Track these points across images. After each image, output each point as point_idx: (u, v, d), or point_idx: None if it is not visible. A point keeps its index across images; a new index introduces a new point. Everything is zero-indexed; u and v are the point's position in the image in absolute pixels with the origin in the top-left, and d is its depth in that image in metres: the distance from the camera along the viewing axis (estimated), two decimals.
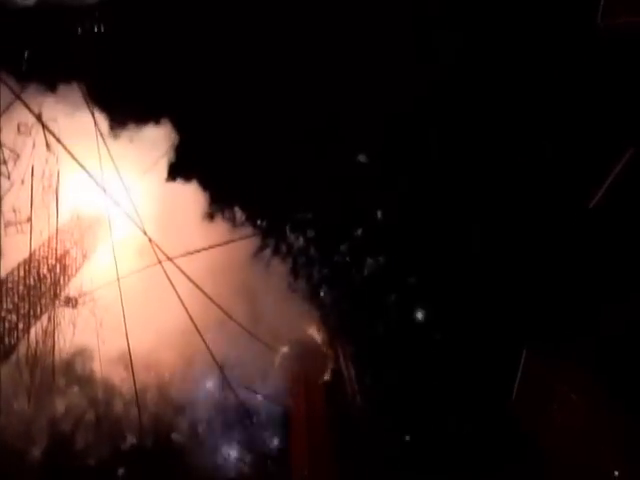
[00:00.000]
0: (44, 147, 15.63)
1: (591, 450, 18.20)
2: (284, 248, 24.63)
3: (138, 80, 22.74)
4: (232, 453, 22.70)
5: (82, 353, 19.21)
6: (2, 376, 14.47)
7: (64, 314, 17.40)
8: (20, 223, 14.96)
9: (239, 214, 24.10)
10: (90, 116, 19.31)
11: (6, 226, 14.46)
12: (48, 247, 16.41)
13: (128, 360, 18.30)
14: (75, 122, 19.44)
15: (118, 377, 20.06)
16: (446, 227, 23.28)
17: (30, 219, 15.21)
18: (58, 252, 16.77)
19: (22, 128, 15.00)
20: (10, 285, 14.72)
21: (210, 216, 23.37)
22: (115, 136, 21.76)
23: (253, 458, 22.48)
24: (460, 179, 23.22)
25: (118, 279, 17.96)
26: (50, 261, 16.42)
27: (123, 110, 22.02)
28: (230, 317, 19.63)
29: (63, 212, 16.95)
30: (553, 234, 21.54)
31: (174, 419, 21.67)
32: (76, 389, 19.86)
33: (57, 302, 16.86)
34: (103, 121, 20.55)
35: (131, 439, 21.01)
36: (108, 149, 16.99)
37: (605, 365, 18.78)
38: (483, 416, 21.00)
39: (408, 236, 23.77)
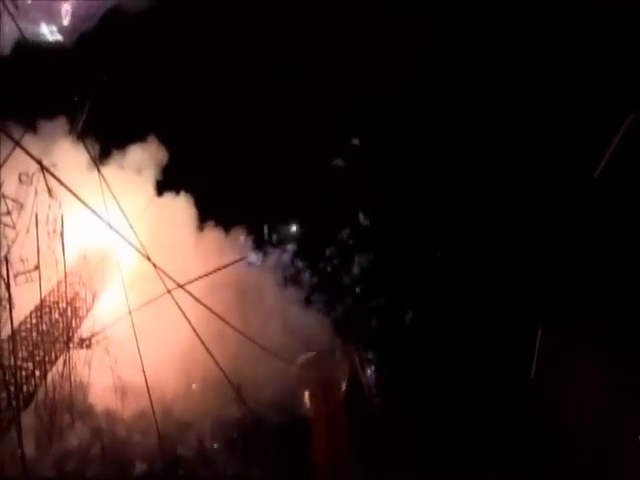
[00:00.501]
0: (46, 194, 15.87)
1: (613, 423, 18.12)
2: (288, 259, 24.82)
3: (119, 101, 22.88)
4: (256, 472, 22.72)
5: (98, 390, 19.27)
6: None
7: (79, 356, 17.58)
8: (29, 272, 15.13)
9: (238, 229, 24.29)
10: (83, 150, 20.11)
11: (15, 276, 14.61)
12: (58, 292, 16.61)
13: (144, 392, 18.37)
14: (70, 160, 19.88)
15: (136, 410, 20.12)
16: (452, 205, 23.30)
17: (38, 266, 15.36)
18: (68, 295, 16.97)
19: (23, 178, 15.24)
20: (24, 334, 14.91)
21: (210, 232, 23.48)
22: (106, 164, 21.97)
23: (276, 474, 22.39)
24: (461, 153, 23.18)
25: (130, 313, 18.07)
26: (61, 305, 16.62)
27: (111, 136, 22.23)
28: (246, 336, 19.52)
29: (70, 255, 17.22)
30: (562, 208, 21.37)
31: (196, 444, 21.72)
32: (94, 425, 19.90)
33: (71, 345, 17.02)
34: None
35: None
36: (108, 184, 17.10)
37: (622, 338, 18.66)
38: (502, 401, 20.79)
39: (415, 219, 23.76)
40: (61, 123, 22.45)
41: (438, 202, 23.83)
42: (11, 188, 14.96)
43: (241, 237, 24.59)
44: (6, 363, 14.11)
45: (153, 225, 21.23)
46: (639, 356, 18.37)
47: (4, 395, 13.73)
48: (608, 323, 19.16)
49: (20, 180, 15.16)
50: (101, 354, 18.79)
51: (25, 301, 15.30)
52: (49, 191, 15.78)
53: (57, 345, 16.05)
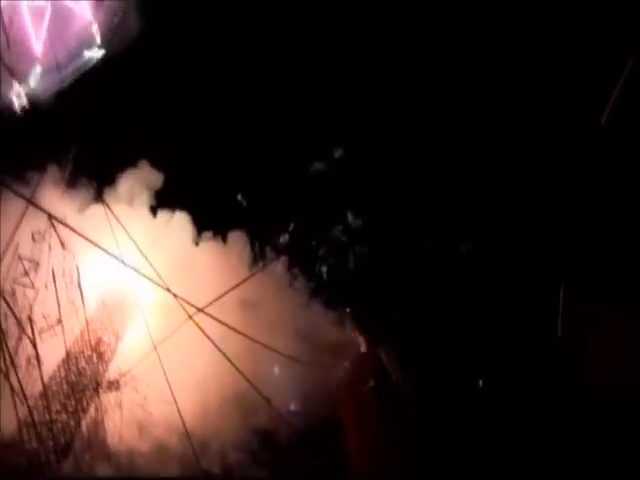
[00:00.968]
0: (59, 247, 16.33)
1: None
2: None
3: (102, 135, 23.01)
4: None
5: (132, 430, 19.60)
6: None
7: (109, 399, 17.95)
8: (52, 327, 15.58)
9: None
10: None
11: (40, 333, 15.06)
12: (82, 341, 17.05)
13: (179, 425, 18.64)
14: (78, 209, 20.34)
15: (172, 444, 20.46)
16: (467, 171, 23.11)
17: (60, 320, 15.82)
18: (92, 342, 17.41)
19: (36, 236, 15.70)
20: (55, 388, 15.37)
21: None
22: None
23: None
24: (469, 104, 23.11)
25: (155, 348, 18.36)
26: (86, 353, 17.07)
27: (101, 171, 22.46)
28: (273, 350, 19.73)
29: (89, 303, 17.65)
30: (574, 158, 21.03)
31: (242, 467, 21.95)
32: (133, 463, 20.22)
33: (100, 390, 17.43)
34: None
35: None
36: (120, 222, 17.36)
37: None
38: (530, 368, 20.71)
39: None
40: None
41: (451, 165, 23.71)
42: (26, 248, 15.41)
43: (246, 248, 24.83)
44: (41, 419, 14.61)
45: (164, 251, 21.55)
46: None
47: (43, 450, 14.22)
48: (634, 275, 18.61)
49: (33, 239, 15.60)
50: (130, 393, 19.12)
51: (52, 355, 15.76)
52: (62, 244, 16.27)
53: (87, 392, 16.50)
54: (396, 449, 19.84)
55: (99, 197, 20.46)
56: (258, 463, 21.92)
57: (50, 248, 16.02)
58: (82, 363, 16.74)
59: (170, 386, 17.69)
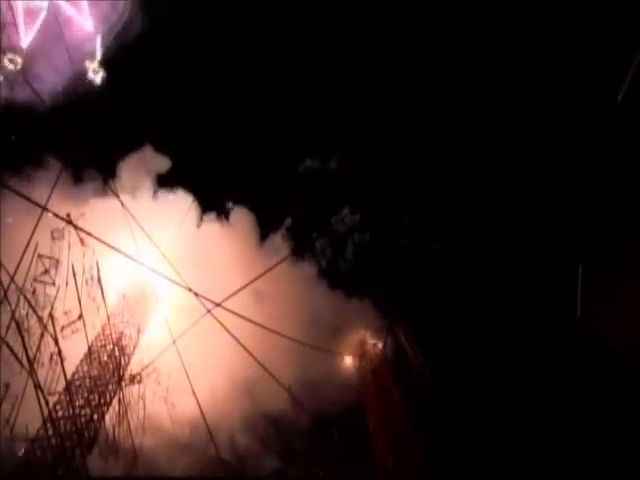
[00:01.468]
0: (78, 244, 16.51)
1: None
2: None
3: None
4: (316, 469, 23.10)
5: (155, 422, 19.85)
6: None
7: (132, 392, 18.19)
8: (73, 322, 15.80)
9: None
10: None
11: (62, 330, 15.28)
12: (103, 335, 17.29)
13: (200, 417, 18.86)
14: (95, 205, 20.45)
15: (194, 435, 20.70)
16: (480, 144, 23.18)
17: (81, 316, 16.02)
18: (114, 337, 17.63)
19: (55, 234, 15.90)
20: (78, 383, 15.61)
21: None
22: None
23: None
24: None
25: (174, 341, 18.59)
26: (108, 347, 17.29)
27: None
28: (290, 338, 19.81)
29: (109, 298, 17.85)
30: (590, 137, 20.89)
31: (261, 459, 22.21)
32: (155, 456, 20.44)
33: (123, 383, 17.64)
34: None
35: None
36: (137, 221, 17.55)
37: None
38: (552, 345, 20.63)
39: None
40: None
41: (470, 137, 23.58)
42: (45, 247, 15.61)
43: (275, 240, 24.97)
44: (65, 414, 14.86)
45: (182, 246, 21.73)
46: None
47: (69, 444, 14.47)
48: None
49: (52, 237, 15.79)
50: (153, 386, 19.37)
51: (75, 351, 16.00)
52: (81, 241, 16.44)
53: (110, 386, 16.67)
54: (419, 434, 19.96)
55: (109, 188, 20.56)
56: (273, 450, 22.35)
57: (69, 246, 16.22)
58: (104, 358, 16.94)
59: (189, 378, 17.99)
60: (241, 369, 20.63)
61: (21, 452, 14.08)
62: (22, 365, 13.42)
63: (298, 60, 23.85)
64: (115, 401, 17.11)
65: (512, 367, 21.15)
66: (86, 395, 15.66)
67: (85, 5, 21.46)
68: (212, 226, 24.28)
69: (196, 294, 17.64)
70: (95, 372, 16.38)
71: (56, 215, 14.45)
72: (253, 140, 24.50)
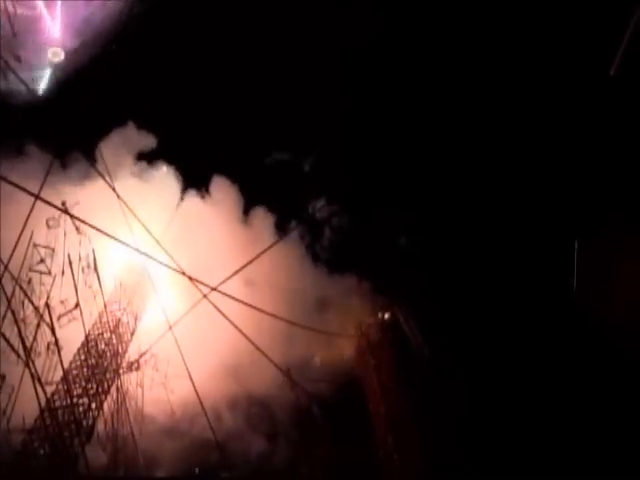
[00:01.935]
0: (74, 232, 16.39)
1: None
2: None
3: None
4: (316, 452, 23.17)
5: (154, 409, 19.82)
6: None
7: (130, 380, 18.17)
8: (70, 311, 15.72)
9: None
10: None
11: (58, 319, 15.20)
12: (100, 323, 17.14)
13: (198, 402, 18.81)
14: (87, 190, 20.18)
15: (193, 420, 20.69)
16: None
17: (78, 304, 15.95)
18: (111, 324, 17.51)
19: (51, 222, 15.76)
20: (75, 372, 15.51)
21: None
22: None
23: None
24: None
25: (170, 328, 18.50)
26: (105, 335, 17.15)
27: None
28: (288, 322, 19.71)
29: (106, 285, 17.74)
30: (583, 111, 20.84)
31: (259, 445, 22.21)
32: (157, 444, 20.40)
33: (121, 371, 17.61)
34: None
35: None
36: (131, 210, 17.29)
37: None
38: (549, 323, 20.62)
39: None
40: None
41: (463, 115, 23.41)
42: (41, 235, 15.48)
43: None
44: (63, 403, 14.81)
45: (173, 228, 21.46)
46: None
47: (67, 434, 14.43)
48: None
49: (48, 225, 15.66)
50: (151, 372, 19.33)
51: (72, 340, 15.91)
52: (77, 229, 16.32)
53: (108, 374, 16.58)
54: (419, 414, 19.97)
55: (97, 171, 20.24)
56: (273, 433, 22.34)
57: (65, 234, 16.12)
58: (102, 346, 16.80)
59: (186, 364, 17.90)
60: (235, 352, 20.49)
61: (18, 443, 14.01)
62: (18, 355, 13.39)
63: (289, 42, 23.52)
64: (113, 389, 17.15)
65: (509, 343, 21.18)
66: (84, 384, 15.57)
67: None
68: (194, 201, 23.80)
69: (190, 278, 17.66)
70: (93, 361, 16.28)
71: (50, 204, 14.30)
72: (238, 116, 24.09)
